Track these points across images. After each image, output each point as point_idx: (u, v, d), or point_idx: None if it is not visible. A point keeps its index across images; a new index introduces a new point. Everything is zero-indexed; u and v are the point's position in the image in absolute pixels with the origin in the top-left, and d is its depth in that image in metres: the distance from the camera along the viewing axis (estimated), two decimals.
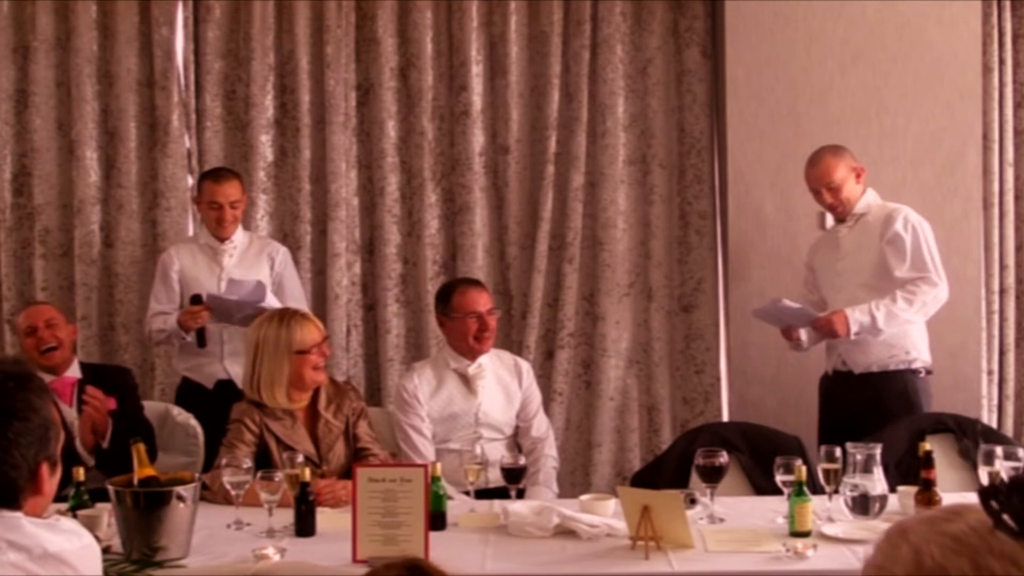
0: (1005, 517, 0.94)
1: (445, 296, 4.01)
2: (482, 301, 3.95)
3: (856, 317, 3.94)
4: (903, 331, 4.02)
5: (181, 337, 4.28)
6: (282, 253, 4.51)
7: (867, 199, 4.13)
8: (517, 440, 4.03)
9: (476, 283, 4.12)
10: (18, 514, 1.72)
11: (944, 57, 4.66)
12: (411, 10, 4.87)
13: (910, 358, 4.07)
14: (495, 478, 3.72)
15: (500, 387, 3.98)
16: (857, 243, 4.11)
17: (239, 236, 4.42)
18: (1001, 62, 4.88)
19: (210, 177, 4.38)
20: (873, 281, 4.04)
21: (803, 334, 4.12)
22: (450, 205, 4.94)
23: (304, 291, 4.66)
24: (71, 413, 3.76)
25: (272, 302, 4.15)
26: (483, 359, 3.95)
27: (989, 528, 0.95)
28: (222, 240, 4.38)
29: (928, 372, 4.12)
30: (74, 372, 3.92)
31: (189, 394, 4.37)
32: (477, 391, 3.92)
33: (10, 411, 1.71)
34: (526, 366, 4.10)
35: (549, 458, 3.99)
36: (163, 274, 4.38)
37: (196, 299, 4.23)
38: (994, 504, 0.95)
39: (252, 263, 4.42)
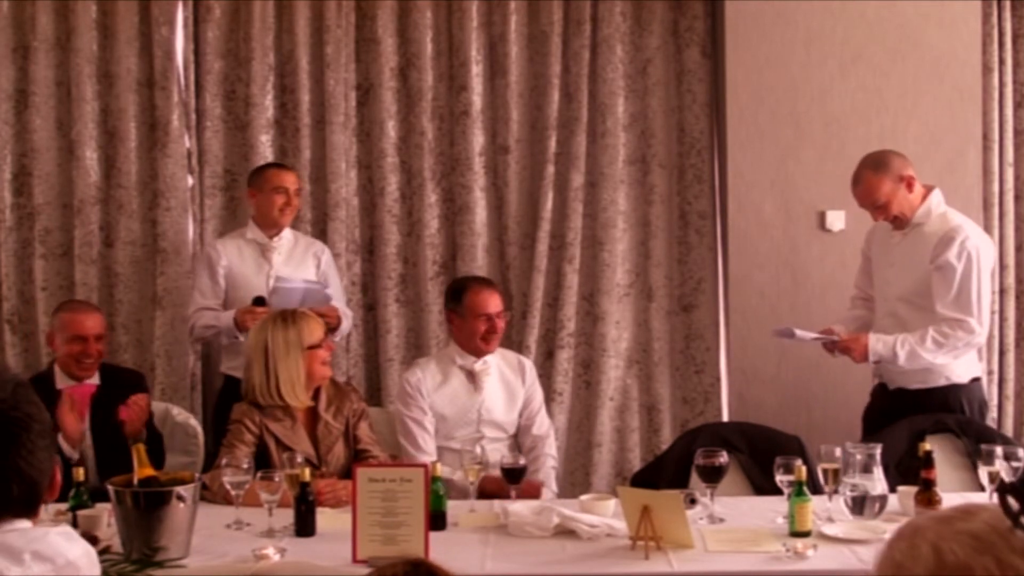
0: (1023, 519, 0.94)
1: (457, 293, 4.03)
2: (493, 303, 3.97)
3: (877, 349, 3.78)
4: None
5: (234, 336, 4.24)
6: (327, 253, 4.55)
7: (928, 206, 3.86)
8: (518, 439, 4.04)
9: (489, 283, 4.15)
10: (28, 524, 1.72)
11: (944, 57, 4.66)
12: (411, 10, 4.87)
13: (950, 382, 3.89)
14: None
15: (503, 385, 4.01)
16: (908, 255, 3.89)
17: (286, 233, 4.44)
18: (1001, 62, 4.88)
19: (275, 166, 4.50)
20: (914, 298, 3.86)
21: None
22: (450, 205, 4.94)
23: None
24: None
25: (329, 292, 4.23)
26: (489, 357, 3.98)
27: (1007, 526, 0.95)
28: (271, 236, 4.39)
29: (974, 380, 3.94)
30: (94, 378, 3.88)
31: (234, 392, 4.31)
32: (481, 388, 3.95)
33: (29, 416, 1.70)
34: (529, 364, 4.14)
35: (549, 457, 4.01)
36: (210, 268, 4.36)
37: (259, 301, 4.18)
38: (1013, 503, 0.95)
39: (299, 262, 4.43)
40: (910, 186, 3.85)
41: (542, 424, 4.05)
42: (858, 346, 3.82)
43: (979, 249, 3.79)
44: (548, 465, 4.00)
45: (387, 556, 2.72)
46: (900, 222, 3.90)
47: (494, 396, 3.98)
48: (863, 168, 3.90)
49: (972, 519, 0.98)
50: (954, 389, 3.89)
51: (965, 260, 3.75)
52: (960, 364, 3.90)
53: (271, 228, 4.40)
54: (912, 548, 1.00)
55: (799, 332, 3.95)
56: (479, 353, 3.97)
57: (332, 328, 4.30)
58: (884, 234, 4.03)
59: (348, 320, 4.52)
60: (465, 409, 3.92)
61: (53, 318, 4.03)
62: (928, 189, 3.90)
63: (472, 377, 3.96)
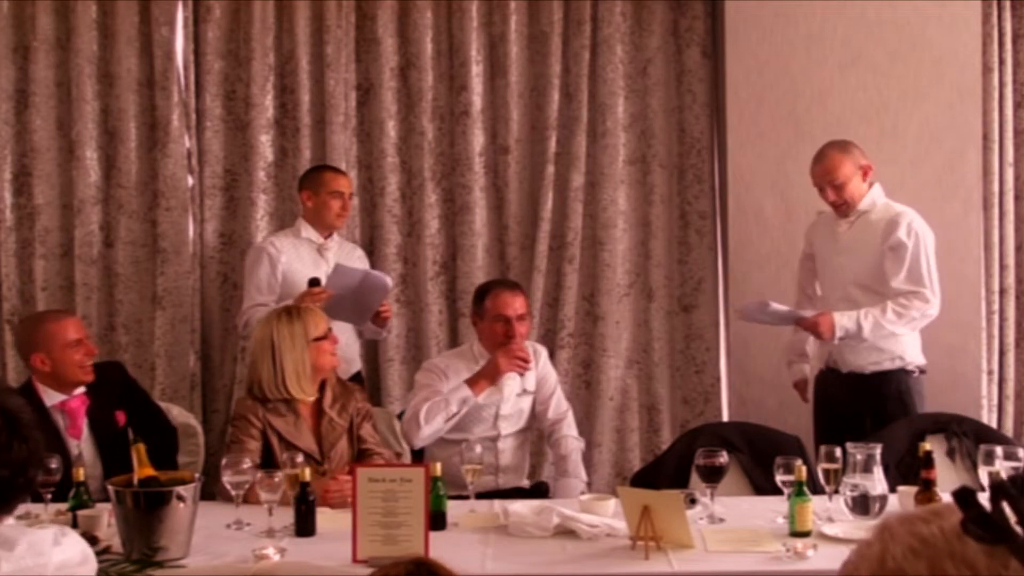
0: (970, 524, 0.91)
1: (480, 296, 4.05)
2: (513, 305, 3.95)
3: (843, 323, 3.91)
4: (893, 336, 3.99)
5: None
6: (364, 256, 4.65)
7: (872, 196, 4.06)
8: (538, 427, 4.11)
9: (511, 286, 4.10)
10: (13, 521, 1.73)
11: (944, 57, 4.66)
12: (411, 10, 4.87)
13: (903, 362, 4.04)
14: (504, 481, 3.85)
15: (519, 377, 4.03)
16: (857, 241, 4.05)
17: (335, 234, 4.50)
18: (1001, 62, 4.88)
19: (330, 169, 4.50)
20: (870, 282, 4.01)
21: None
22: (450, 205, 4.94)
23: None
24: (75, 446, 3.55)
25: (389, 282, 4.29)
26: None
27: (959, 531, 0.91)
28: (326, 236, 4.42)
29: (922, 372, 4.09)
30: (79, 388, 3.64)
31: None
32: (503, 387, 3.96)
33: (18, 403, 1.73)
34: (541, 348, 4.17)
35: (570, 439, 4.04)
36: (270, 265, 4.33)
37: (314, 282, 4.17)
38: (964, 507, 0.92)
39: (349, 261, 4.44)
40: (865, 175, 4.04)
41: (558, 407, 4.07)
42: (826, 322, 3.93)
43: (924, 230, 4.00)
44: (572, 448, 4.02)
45: (387, 556, 2.72)
46: (845, 209, 4.04)
47: (510, 390, 4.00)
48: (828, 148, 4.06)
49: (933, 521, 0.94)
50: (905, 378, 4.03)
51: (914, 238, 3.96)
52: (910, 347, 4.06)
53: (326, 230, 4.42)
54: (867, 547, 0.98)
55: (774, 305, 4.01)
56: None
57: (384, 322, 4.40)
58: (827, 226, 4.18)
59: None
60: (483, 407, 3.94)
61: (32, 335, 3.63)
62: (870, 184, 4.08)
63: None
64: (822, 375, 4.23)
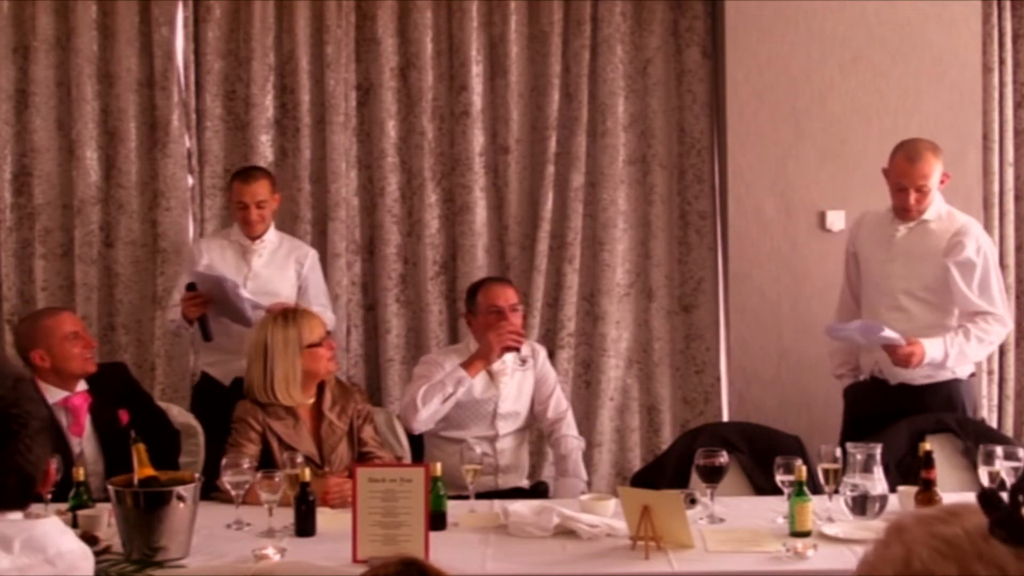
0: (997, 528, 0.92)
1: (471, 293, 4.10)
2: (504, 296, 4.00)
3: (931, 354, 3.71)
4: None
5: (186, 327, 4.27)
6: (311, 257, 4.52)
7: (936, 205, 3.88)
8: (537, 427, 4.14)
9: (501, 280, 4.21)
10: (19, 515, 1.72)
11: (944, 57, 4.66)
12: (411, 10, 4.87)
13: (954, 375, 3.89)
14: (503, 481, 3.81)
15: (517, 374, 4.05)
16: (914, 249, 3.88)
17: (271, 236, 4.43)
18: (1001, 62, 4.88)
19: (239, 177, 4.39)
20: (923, 293, 3.87)
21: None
22: (450, 205, 4.94)
23: None
24: (77, 444, 3.55)
25: (246, 295, 4.13)
26: (507, 355, 4.00)
27: (984, 533, 0.92)
28: (252, 239, 4.39)
29: (972, 375, 3.97)
30: (82, 384, 3.65)
31: (207, 390, 4.35)
32: (499, 384, 3.97)
33: (28, 412, 1.71)
34: (539, 347, 4.20)
35: (570, 438, 4.06)
36: (189, 266, 4.37)
37: (190, 286, 4.18)
38: (990, 509, 0.93)
39: (280, 264, 4.42)
40: (942, 183, 3.88)
41: (558, 406, 4.10)
42: (920, 353, 3.71)
43: (989, 245, 3.89)
44: (572, 447, 4.05)
45: (387, 556, 2.72)
46: (913, 214, 3.87)
47: (508, 388, 4.02)
48: (924, 148, 3.86)
49: (953, 522, 0.95)
50: (956, 386, 3.90)
51: (983, 256, 3.82)
52: None
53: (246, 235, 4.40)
54: (886, 548, 0.98)
55: (887, 332, 3.71)
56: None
57: None
58: (879, 227, 4.01)
59: (330, 324, 4.43)
60: (480, 403, 3.95)
61: (31, 330, 3.65)
62: None
63: (490, 374, 3.99)
64: (861, 385, 4.09)
